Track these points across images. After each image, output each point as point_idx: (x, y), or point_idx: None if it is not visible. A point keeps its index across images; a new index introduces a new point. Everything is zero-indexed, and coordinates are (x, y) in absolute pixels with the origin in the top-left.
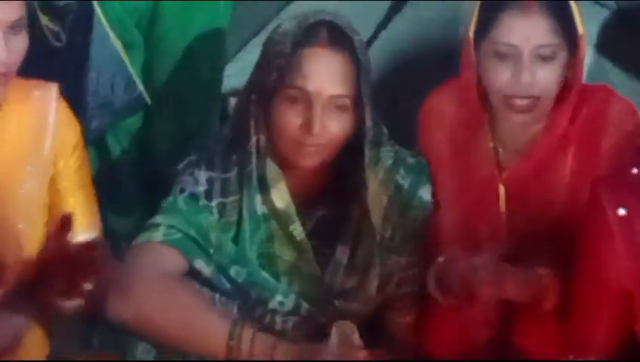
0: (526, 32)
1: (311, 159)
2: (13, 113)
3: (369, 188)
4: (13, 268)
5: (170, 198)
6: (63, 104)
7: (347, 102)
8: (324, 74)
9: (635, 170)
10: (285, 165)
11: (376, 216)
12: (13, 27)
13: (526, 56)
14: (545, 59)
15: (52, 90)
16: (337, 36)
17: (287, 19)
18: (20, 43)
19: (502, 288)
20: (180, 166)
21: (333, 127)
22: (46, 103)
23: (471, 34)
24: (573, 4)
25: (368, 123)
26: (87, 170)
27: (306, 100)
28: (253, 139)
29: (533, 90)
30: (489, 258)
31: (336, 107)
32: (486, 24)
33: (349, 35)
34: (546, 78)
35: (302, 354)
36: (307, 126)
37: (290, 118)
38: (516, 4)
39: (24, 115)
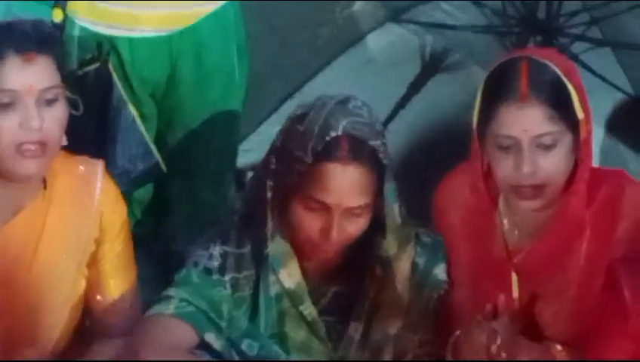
0: (523, 123)
1: (327, 255)
2: (57, 191)
3: (385, 266)
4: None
5: (184, 271)
6: (110, 182)
7: (366, 208)
8: (345, 188)
9: None
10: (301, 253)
11: (402, 296)
12: (45, 96)
13: (526, 147)
14: (546, 147)
15: (98, 167)
16: (358, 149)
17: (307, 111)
18: (57, 114)
19: (515, 359)
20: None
21: (351, 230)
22: (92, 182)
23: (474, 126)
24: (571, 88)
25: (386, 213)
26: (131, 249)
27: (325, 210)
28: (270, 224)
29: (536, 178)
30: (505, 322)
31: (355, 214)
32: (486, 116)
33: (370, 145)
34: (549, 165)
35: None
36: (325, 232)
37: (309, 223)
38: (511, 95)
39: (69, 193)
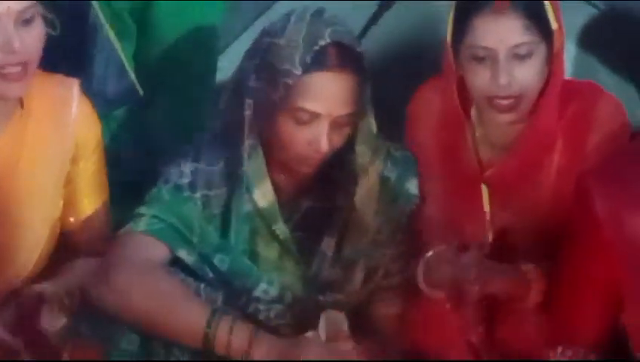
0: (499, 33)
1: (312, 168)
2: (34, 110)
3: (360, 183)
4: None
5: (155, 189)
6: (85, 101)
7: (352, 116)
8: (334, 97)
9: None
10: (280, 167)
11: (368, 210)
12: (23, 17)
13: (502, 58)
14: (522, 57)
15: (74, 87)
16: (346, 57)
17: (284, 25)
18: (34, 33)
19: (487, 285)
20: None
21: (338, 141)
22: (68, 101)
23: (448, 39)
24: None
25: (367, 127)
26: (104, 169)
27: (314, 121)
28: (247, 143)
29: (512, 89)
30: (476, 255)
31: (342, 123)
32: (461, 28)
33: (358, 51)
34: (525, 76)
35: (282, 346)
36: (315, 143)
37: (298, 136)
38: (487, 6)
39: (46, 112)
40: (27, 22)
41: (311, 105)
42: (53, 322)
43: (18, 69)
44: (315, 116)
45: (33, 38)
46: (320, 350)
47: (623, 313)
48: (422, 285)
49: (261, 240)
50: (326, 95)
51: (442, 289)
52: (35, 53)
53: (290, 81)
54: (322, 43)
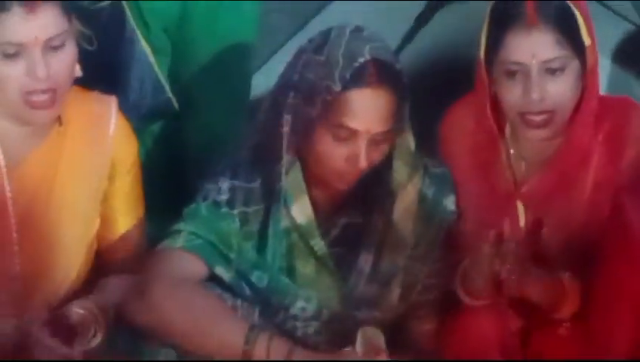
0: (531, 48)
1: (349, 184)
2: (71, 127)
3: (397, 199)
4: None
5: (193, 205)
6: (123, 120)
7: (390, 133)
8: (373, 114)
9: None
10: (317, 182)
11: (406, 226)
12: (51, 44)
13: (534, 73)
14: (554, 72)
15: (111, 104)
16: (385, 74)
17: (323, 42)
18: (64, 58)
19: (524, 285)
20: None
21: (376, 157)
22: (105, 119)
23: (481, 54)
24: (578, 14)
25: (405, 144)
26: (140, 187)
27: (352, 137)
28: (285, 159)
29: (545, 105)
30: (513, 248)
31: (380, 140)
32: (494, 44)
33: (397, 68)
34: (557, 91)
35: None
36: (353, 160)
37: (336, 152)
38: (519, 21)
39: (84, 129)
40: (56, 48)
41: (350, 121)
42: (87, 343)
43: (45, 97)
44: (353, 133)
45: (62, 63)
46: None
47: None
48: (459, 291)
49: (298, 256)
50: (365, 112)
51: (478, 293)
52: (65, 78)
53: (329, 98)
54: (362, 60)
